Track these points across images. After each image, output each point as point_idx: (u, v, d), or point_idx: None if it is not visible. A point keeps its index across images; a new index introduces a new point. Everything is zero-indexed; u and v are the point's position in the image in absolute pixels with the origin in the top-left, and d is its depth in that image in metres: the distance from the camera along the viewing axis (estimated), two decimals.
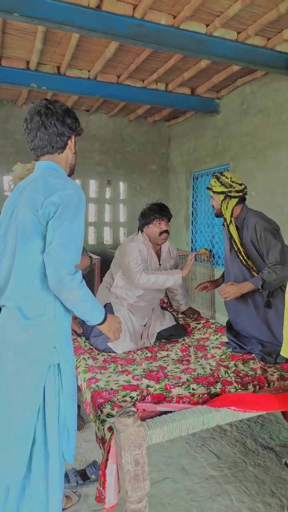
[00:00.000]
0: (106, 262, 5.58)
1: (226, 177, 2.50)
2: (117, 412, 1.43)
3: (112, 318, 1.66)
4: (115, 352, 2.56)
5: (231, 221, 2.48)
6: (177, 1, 2.83)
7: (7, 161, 5.21)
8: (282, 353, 1.51)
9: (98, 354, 2.57)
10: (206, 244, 5.67)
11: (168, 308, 3.35)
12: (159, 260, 2.84)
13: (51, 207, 1.36)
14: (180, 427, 1.47)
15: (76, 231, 1.38)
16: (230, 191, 2.46)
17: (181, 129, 6.06)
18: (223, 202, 2.49)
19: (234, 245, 2.48)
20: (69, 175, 1.60)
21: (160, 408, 1.62)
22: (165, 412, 1.62)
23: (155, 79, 4.28)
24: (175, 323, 2.88)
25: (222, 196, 2.48)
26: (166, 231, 2.74)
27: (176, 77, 4.33)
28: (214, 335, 2.83)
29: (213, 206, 2.60)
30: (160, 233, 2.73)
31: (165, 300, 3.45)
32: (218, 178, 2.51)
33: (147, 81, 4.36)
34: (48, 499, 1.43)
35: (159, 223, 2.72)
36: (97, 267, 5.13)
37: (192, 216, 5.93)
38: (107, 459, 1.45)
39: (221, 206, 2.50)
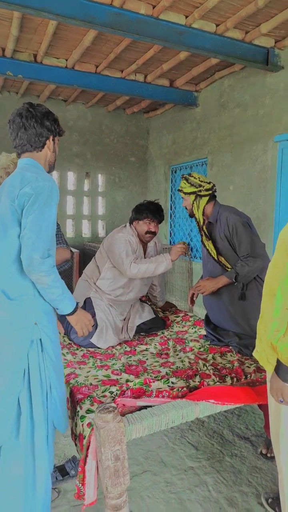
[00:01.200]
0: (84, 256, 5.54)
1: (195, 178, 2.53)
2: (97, 408, 1.42)
3: (83, 313, 1.75)
4: (97, 347, 2.54)
5: (203, 220, 2.52)
6: None
7: None
8: (254, 353, 1.54)
9: (77, 349, 2.55)
10: (184, 237, 5.69)
11: (147, 302, 3.36)
12: (144, 254, 2.85)
13: (25, 197, 1.50)
14: (160, 422, 1.48)
15: (47, 218, 1.51)
16: (200, 191, 2.49)
17: (160, 122, 6.03)
18: (194, 202, 2.51)
19: (205, 244, 2.52)
20: (49, 172, 1.75)
21: (140, 402, 1.62)
22: (145, 407, 1.62)
23: (134, 70, 4.23)
24: (154, 316, 2.89)
25: (193, 197, 2.50)
26: (153, 233, 2.75)
27: (155, 68, 4.29)
28: (192, 328, 2.86)
29: (186, 208, 2.62)
30: (147, 232, 2.73)
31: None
32: (187, 180, 2.54)
33: (126, 71, 4.30)
34: (35, 466, 1.55)
35: (149, 223, 2.72)
36: (76, 260, 5.08)
37: (171, 209, 5.94)
38: (86, 456, 1.44)
39: (193, 206, 2.52)
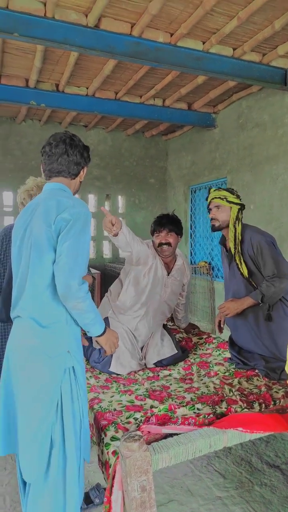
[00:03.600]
0: (105, 276, 5.57)
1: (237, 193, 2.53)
2: (122, 436, 1.40)
3: (110, 332, 1.77)
4: (119, 374, 2.50)
5: (239, 234, 2.47)
6: (174, 19, 2.88)
7: (6, 178, 5.23)
8: (286, 369, 1.48)
9: (100, 373, 2.53)
10: (205, 257, 5.66)
11: (169, 323, 3.31)
12: (169, 271, 2.73)
13: (62, 222, 1.51)
14: (187, 451, 1.43)
15: (83, 244, 1.52)
16: (244, 206, 2.48)
17: (178, 143, 6.11)
18: (238, 213, 2.46)
19: (237, 260, 2.45)
20: None
21: (165, 430, 1.58)
22: (171, 435, 1.58)
23: (153, 95, 4.33)
24: (175, 352, 2.69)
25: (236, 208, 2.45)
26: (167, 244, 2.61)
27: (173, 92, 4.38)
28: (216, 351, 2.80)
29: (213, 219, 2.55)
30: (159, 245, 2.62)
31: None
32: (231, 191, 2.51)
33: (145, 97, 4.40)
34: (65, 501, 1.50)
35: (158, 235, 2.64)
36: (97, 281, 5.11)
37: (191, 229, 5.94)
38: (112, 486, 1.40)
39: (237, 218, 2.45)
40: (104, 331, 1.68)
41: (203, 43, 3.21)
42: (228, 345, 2.68)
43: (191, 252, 5.97)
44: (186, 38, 3.12)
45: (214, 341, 2.99)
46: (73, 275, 1.47)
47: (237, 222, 2.47)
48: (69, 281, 1.46)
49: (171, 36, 3.08)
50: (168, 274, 2.73)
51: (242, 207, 2.49)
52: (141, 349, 2.70)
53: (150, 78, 3.95)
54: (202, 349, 2.91)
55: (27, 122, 5.42)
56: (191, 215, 5.94)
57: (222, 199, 2.49)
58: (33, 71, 3.67)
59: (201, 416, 1.73)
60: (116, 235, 2.30)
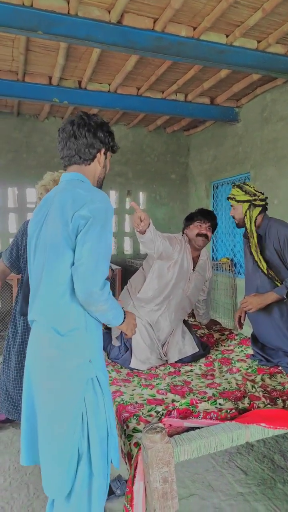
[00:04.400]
0: (126, 272, 5.59)
1: (249, 186, 2.48)
2: (144, 427, 1.41)
3: (129, 317, 1.66)
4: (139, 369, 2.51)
5: (253, 230, 2.45)
6: (197, 12, 2.85)
7: (29, 174, 5.32)
8: None
9: (121, 367, 2.55)
10: (227, 253, 5.61)
11: (190, 319, 3.31)
12: (194, 265, 2.75)
13: (80, 220, 1.35)
14: (208, 444, 1.44)
15: (104, 245, 1.36)
16: (254, 200, 2.43)
17: (200, 138, 6.06)
18: (248, 211, 2.45)
19: (255, 255, 2.43)
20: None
21: (187, 423, 1.59)
22: (193, 428, 1.58)
23: (175, 90, 4.30)
24: (196, 350, 2.68)
25: (246, 205, 2.44)
26: (205, 236, 2.65)
27: (196, 87, 4.34)
28: (238, 347, 2.77)
29: (233, 217, 2.56)
30: (198, 235, 2.64)
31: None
32: (241, 188, 2.48)
33: (167, 92, 4.39)
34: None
35: (200, 225, 2.65)
36: (118, 277, 5.15)
37: None
38: (134, 476, 1.42)
39: (245, 215, 2.46)
40: (123, 321, 1.58)
41: (227, 36, 3.16)
42: (251, 342, 2.65)
43: (213, 249, 5.92)
44: (209, 31, 3.08)
45: (236, 337, 2.96)
46: (95, 280, 1.33)
47: (247, 219, 2.45)
48: (91, 288, 1.32)
49: (194, 30, 3.05)
50: (194, 269, 2.73)
51: (252, 201, 2.44)
52: (162, 346, 2.69)
53: (172, 73, 3.93)
54: (224, 346, 2.89)
55: (49, 119, 5.49)
56: (213, 210, 5.87)
57: (232, 199, 2.50)
58: (56, 68, 3.71)
59: (223, 411, 1.73)
60: (143, 232, 2.27)
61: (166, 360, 2.65)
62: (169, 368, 2.54)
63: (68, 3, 2.67)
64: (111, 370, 2.37)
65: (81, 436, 1.36)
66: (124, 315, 1.58)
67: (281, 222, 2.47)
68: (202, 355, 2.70)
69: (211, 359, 2.66)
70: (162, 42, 3.00)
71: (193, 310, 3.31)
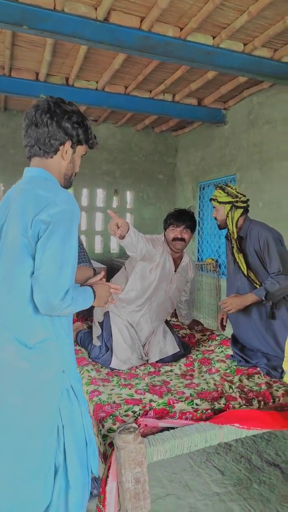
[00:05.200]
0: (112, 271, 5.58)
1: (231, 188, 2.50)
2: (117, 428, 1.41)
3: (99, 291, 1.50)
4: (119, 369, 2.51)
5: (235, 232, 2.47)
6: (184, 13, 2.86)
7: (17, 170, 5.26)
8: (284, 366, 1.48)
9: (102, 367, 2.54)
10: (212, 254, 5.64)
11: (172, 319, 3.32)
12: (176, 267, 2.73)
13: (41, 225, 1.22)
14: (182, 445, 1.44)
15: (69, 250, 1.23)
16: (236, 201, 2.45)
17: (188, 139, 6.08)
18: (229, 212, 2.47)
19: (236, 256, 2.46)
20: (65, 187, 1.47)
21: (162, 424, 1.59)
22: (168, 428, 1.58)
23: (162, 90, 4.30)
24: (177, 350, 2.68)
25: (228, 207, 2.46)
26: (181, 239, 2.60)
27: (183, 88, 4.35)
28: (219, 348, 2.79)
29: (215, 218, 2.58)
30: (173, 239, 2.61)
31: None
32: (223, 189, 2.50)
33: (154, 92, 4.39)
34: None
35: (174, 229, 2.61)
36: (103, 276, 5.12)
37: (199, 226, 5.92)
38: (107, 476, 1.42)
39: (227, 217, 2.48)
40: (94, 298, 1.44)
41: (213, 38, 3.18)
42: (231, 342, 2.67)
43: (198, 249, 5.95)
44: (196, 32, 3.09)
45: (217, 338, 2.98)
46: (56, 292, 1.19)
47: (229, 220, 2.47)
48: (51, 300, 1.19)
49: (180, 30, 3.06)
50: (175, 270, 2.73)
51: (234, 203, 2.46)
52: (143, 346, 2.70)
53: (159, 73, 3.93)
54: (205, 346, 2.90)
55: None
56: (199, 211, 5.91)
57: (214, 200, 2.52)
58: (43, 64, 3.68)
59: (198, 411, 1.73)
60: (122, 238, 2.23)
61: (147, 360, 2.65)
62: (149, 368, 2.54)
63: None
64: (91, 369, 2.35)
65: (57, 448, 1.27)
66: (94, 293, 1.45)
67: (262, 225, 2.50)
68: (182, 355, 2.70)
69: (191, 359, 2.67)
70: (148, 41, 3.00)
71: (175, 310, 3.33)
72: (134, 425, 1.39)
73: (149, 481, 2.18)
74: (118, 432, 1.36)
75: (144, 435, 1.52)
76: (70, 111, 1.38)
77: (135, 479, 1.33)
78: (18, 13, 2.64)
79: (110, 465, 1.42)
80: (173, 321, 3.34)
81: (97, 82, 4.21)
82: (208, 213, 5.74)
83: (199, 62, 3.26)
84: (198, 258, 5.91)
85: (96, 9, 2.79)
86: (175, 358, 2.65)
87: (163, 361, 2.63)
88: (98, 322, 2.77)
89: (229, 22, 2.96)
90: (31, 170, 1.40)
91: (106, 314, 2.70)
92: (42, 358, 1.28)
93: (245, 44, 3.29)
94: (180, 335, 3.03)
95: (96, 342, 2.68)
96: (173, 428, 1.57)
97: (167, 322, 2.92)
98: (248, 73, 3.47)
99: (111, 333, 2.60)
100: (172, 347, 2.66)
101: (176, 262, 2.75)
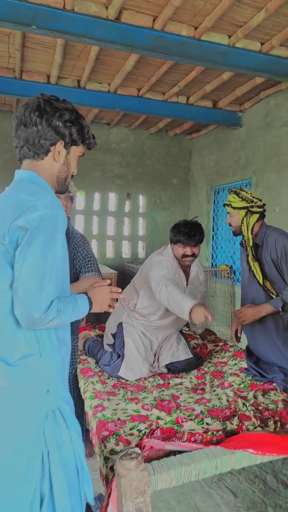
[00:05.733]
0: (124, 276, 5.48)
1: (246, 192, 2.38)
2: (118, 452, 1.29)
3: (97, 296, 1.38)
4: (127, 380, 2.41)
5: (250, 239, 2.34)
6: (198, 11, 2.75)
7: None
8: None
9: (108, 378, 2.44)
10: (227, 260, 5.48)
11: (184, 328, 3.19)
12: (187, 279, 2.63)
13: (18, 232, 1.13)
14: (189, 472, 1.31)
15: (51, 259, 1.13)
16: (252, 206, 2.33)
17: (202, 142, 5.95)
18: (244, 218, 2.34)
19: (251, 265, 2.33)
20: (60, 192, 1.39)
21: (168, 446, 1.47)
22: (174, 452, 1.46)
23: (176, 92, 4.20)
24: (190, 356, 2.59)
25: (243, 212, 2.34)
26: (192, 256, 2.51)
27: (198, 90, 4.24)
28: (232, 360, 2.65)
29: (229, 225, 2.46)
30: (183, 256, 2.52)
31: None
32: (237, 194, 2.38)
33: (168, 94, 4.29)
34: None
35: (183, 247, 2.50)
36: (115, 281, 5.03)
37: (213, 231, 5.78)
38: (107, 504, 1.30)
39: (242, 223, 2.35)
40: (91, 305, 1.33)
41: (229, 37, 3.06)
42: (245, 355, 2.54)
43: (212, 255, 5.80)
44: (210, 31, 2.98)
45: (230, 349, 2.84)
46: (36, 305, 1.10)
47: (243, 226, 2.35)
48: (31, 313, 1.09)
49: (195, 29, 2.95)
50: (187, 284, 2.64)
51: (249, 208, 2.34)
52: (155, 354, 2.62)
53: (173, 74, 3.83)
54: (218, 357, 2.77)
55: None
56: (213, 216, 5.77)
57: (228, 205, 2.40)
58: (53, 66, 3.62)
59: (209, 433, 1.60)
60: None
61: (158, 366, 2.55)
62: (158, 380, 2.42)
63: None
64: (96, 381, 2.25)
65: (41, 476, 1.15)
66: (90, 300, 1.33)
67: (279, 231, 2.37)
68: (194, 364, 2.60)
69: (202, 371, 2.54)
70: (161, 41, 2.90)
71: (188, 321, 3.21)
72: (137, 450, 1.27)
73: (156, 502, 2.06)
74: (119, 457, 1.24)
75: (148, 459, 1.40)
76: (62, 109, 1.27)
77: (137, 510, 1.21)
78: (28, 12, 2.58)
79: (110, 492, 1.31)
80: (185, 330, 3.21)
81: (109, 85, 4.14)
82: (223, 218, 5.60)
83: (214, 63, 3.15)
84: (212, 264, 5.76)
85: (107, 8, 2.71)
86: (187, 365, 2.54)
87: (174, 367, 2.53)
88: (111, 333, 2.70)
89: (245, 20, 2.84)
90: (20, 173, 1.31)
91: (119, 325, 2.64)
92: (24, 376, 1.18)
93: (262, 43, 3.17)
94: (192, 345, 2.91)
95: (107, 348, 2.63)
96: (180, 452, 1.45)
97: (180, 331, 2.84)
98: (265, 73, 3.34)
99: (123, 343, 2.53)
100: (184, 353, 2.57)
101: (186, 272, 2.66)
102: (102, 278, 2.45)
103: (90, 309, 1.34)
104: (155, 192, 6.13)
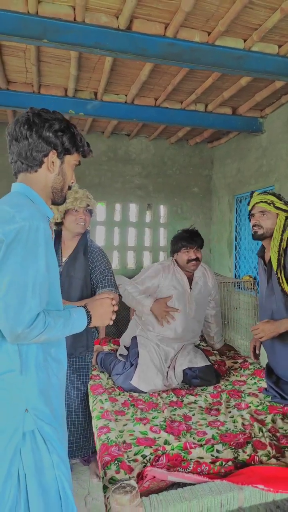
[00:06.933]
0: None
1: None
2: (112, 485, 1.19)
3: (96, 309, 1.37)
4: (140, 391, 2.33)
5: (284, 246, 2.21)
6: (210, 16, 2.67)
7: None
8: None
9: (119, 394, 2.35)
10: (250, 271, 5.29)
11: (201, 344, 3.08)
12: (190, 284, 2.67)
13: None
14: (191, 509, 1.20)
15: (33, 275, 1.12)
16: None
17: (224, 150, 5.83)
18: (285, 223, 2.20)
19: (278, 273, 2.18)
20: (58, 203, 1.38)
21: (171, 477, 1.35)
22: (179, 484, 1.35)
23: (194, 100, 4.12)
24: (207, 363, 2.55)
25: (283, 216, 2.20)
26: (196, 259, 2.61)
27: (216, 97, 4.14)
28: (252, 379, 2.50)
29: (256, 225, 2.30)
30: (188, 261, 2.60)
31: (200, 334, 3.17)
32: (279, 197, 2.26)
33: (186, 102, 4.21)
34: None
35: (187, 251, 2.60)
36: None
37: (236, 241, 5.60)
38: None
39: (284, 228, 2.20)
40: (90, 318, 1.32)
41: (244, 41, 2.96)
42: (265, 373, 2.38)
43: (235, 265, 5.62)
44: (224, 36, 2.89)
45: (250, 366, 2.69)
46: (18, 321, 1.09)
47: (284, 231, 2.21)
48: (14, 329, 1.09)
49: (208, 35, 2.87)
50: (191, 288, 2.62)
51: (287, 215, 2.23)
52: (169, 366, 2.57)
53: (189, 82, 3.75)
54: (236, 375, 2.63)
55: None
56: (236, 226, 5.60)
57: (268, 204, 2.23)
58: (70, 79, 3.63)
59: (217, 463, 1.47)
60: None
61: (174, 376, 2.50)
62: (172, 397, 2.31)
63: (74, 10, 2.57)
64: (106, 399, 2.16)
65: (17, 498, 1.09)
66: (89, 314, 1.32)
67: None
68: (212, 375, 2.52)
69: (219, 389, 2.41)
70: (174, 48, 2.84)
71: (204, 334, 3.09)
72: (132, 482, 1.17)
73: None
74: (113, 490, 1.15)
75: (148, 491, 1.29)
76: (51, 119, 1.30)
77: None
78: (39, 27, 2.58)
79: None
80: (203, 345, 3.08)
81: (126, 95, 4.11)
82: (246, 227, 5.42)
83: (229, 68, 3.05)
84: (235, 275, 5.57)
85: (117, 18, 2.68)
86: (205, 374, 2.48)
87: (192, 373, 2.46)
88: (125, 346, 2.70)
89: (260, 23, 2.73)
90: (13, 186, 1.34)
91: (134, 338, 2.63)
92: (1, 392, 1.15)
93: (280, 46, 3.04)
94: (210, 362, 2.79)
95: (121, 358, 2.62)
96: (185, 484, 1.33)
97: (197, 346, 2.81)
98: (284, 76, 3.20)
99: (137, 353, 2.50)
100: (202, 360, 2.54)
101: (190, 279, 2.65)
102: (119, 295, 2.42)
103: (89, 323, 1.32)
104: (176, 202, 6.04)
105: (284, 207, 2.20)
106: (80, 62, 3.34)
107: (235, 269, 5.61)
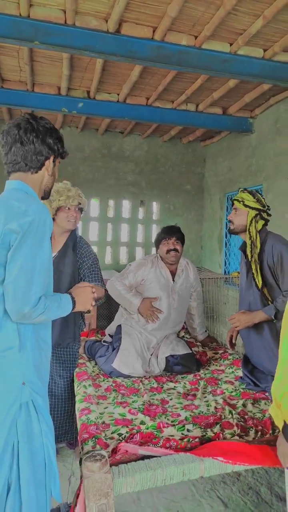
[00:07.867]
0: None
1: (262, 197, 2.39)
2: (84, 454, 1.32)
3: (80, 295, 1.57)
4: (122, 375, 2.48)
5: (258, 241, 2.33)
6: (196, 21, 2.78)
7: None
8: (272, 389, 1.33)
9: (104, 380, 2.48)
10: (239, 267, 5.42)
11: (185, 336, 3.20)
12: (173, 277, 2.82)
13: (11, 235, 1.27)
14: (155, 477, 1.33)
15: (40, 260, 1.29)
16: (264, 211, 2.33)
17: (216, 149, 5.94)
18: (253, 219, 2.33)
19: (253, 268, 2.31)
20: (44, 198, 1.54)
21: (142, 451, 1.48)
22: (148, 457, 1.48)
23: (184, 100, 4.23)
24: (189, 351, 2.70)
25: (253, 213, 2.32)
26: (174, 250, 2.77)
27: (206, 97, 4.26)
28: (230, 368, 2.64)
29: (230, 221, 2.46)
30: (168, 251, 2.75)
31: (184, 326, 3.30)
32: (253, 194, 2.38)
33: (177, 102, 4.32)
34: None
35: (167, 242, 2.78)
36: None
37: (226, 238, 5.73)
38: (75, 505, 1.33)
39: (250, 223, 2.33)
40: (74, 303, 1.51)
41: (230, 44, 3.07)
42: (242, 363, 2.52)
43: (225, 262, 5.75)
44: (211, 40, 3.00)
45: (229, 357, 2.83)
46: (26, 301, 1.24)
47: (252, 227, 2.33)
48: (22, 308, 1.24)
49: (195, 38, 2.98)
50: (173, 279, 2.79)
51: (261, 212, 2.33)
52: (151, 354, 2.71)
53: (179, 83, 3.87)
54: (216, 365, 2.76)
55: (65, 129, 5.54)
56: (226, 223, 5.73)
57: (239, 201, 2.37)
58: (63, 78, 3.73)
59: (185, 440, 1.61)
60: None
61: (156, 364, 2.63)
62: (153, 383, 2.44)
63: (65, 13, 2.68)
64: (89, 385, 2.29)
65: (11, 463, 1.24)
66: (73, 299, 1.51)
67: (277, 237, 2.35)
68: (193, 362, 2.66)
69: (198, 377, 2.54)
70: (162, 51, 2.95)
71: (187, 326, 3.22)
72: (102, 452, 1.30)
73: (145, 508, 2.07)
74: (84, 459, 1.28)
75: (120, 462, 1.42)
76: (50, 128, 1.47)
77: (100, 511, 1.23)
78: (30, 29, 2.68)
79: (79, 493, 1.34)
80: (186, 337, 3.21)
81: (118, 94, 4.21)
82: None
83: (216, 71, 3.16)
84: (225, 271, 5.71)
85: (107, 21, 2.79)
86: (185, 361, 2.62)
87: (174, 360, 2.60)
88: (109, 334, 2.84)
89: (245, 28, 2.85)
90: (11, 183, 1.45)
91: (118, 327, 2.77)
92: (2, 368, 1.28)
93: (265, 50, 3.15)
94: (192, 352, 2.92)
95: (105, 343, 2.80)
96: (153, 456, 1.46)
97: (182, 337, 2.96)
98: (269, 79, 3.32)
99: (121, 339, 2.64)
100: (184, 349, 2.69)
101: (174, 272, 2.83)
102: (106, 290, 2.58)
103: (73, 308, 1.51)
104: (168, 199, 6.16)
105: (254, 205, 2.32)
106: (72, 62, 3.45)
107: (225, 266, 5.74)
